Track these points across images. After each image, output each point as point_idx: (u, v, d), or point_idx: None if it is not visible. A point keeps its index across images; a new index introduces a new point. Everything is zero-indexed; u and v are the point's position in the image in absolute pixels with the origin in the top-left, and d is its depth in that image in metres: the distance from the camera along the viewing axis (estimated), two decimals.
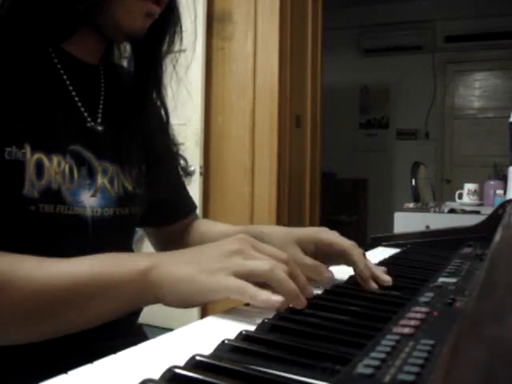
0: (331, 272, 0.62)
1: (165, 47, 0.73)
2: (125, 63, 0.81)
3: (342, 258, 0.64)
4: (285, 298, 0.45)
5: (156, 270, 0.48)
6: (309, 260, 0.63)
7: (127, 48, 0.77)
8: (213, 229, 0.85)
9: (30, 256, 0.50)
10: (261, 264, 0.47)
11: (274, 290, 0.46)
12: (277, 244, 0.67)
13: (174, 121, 0.83)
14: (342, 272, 0.65)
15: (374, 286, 0.59)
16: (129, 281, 0.48)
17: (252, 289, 0.45)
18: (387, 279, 0.60)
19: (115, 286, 0.48)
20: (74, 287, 0.48)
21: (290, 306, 0.47)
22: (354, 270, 0.62)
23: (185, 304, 0.48)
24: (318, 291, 0.56)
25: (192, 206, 0.90)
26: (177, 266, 0.48)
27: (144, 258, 0.50)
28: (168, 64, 0.75)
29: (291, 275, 0.48)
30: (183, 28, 0.75)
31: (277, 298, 0.44)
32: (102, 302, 0.48)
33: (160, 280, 0.48)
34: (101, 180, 0.66)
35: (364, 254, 0.64)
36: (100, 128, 0.68)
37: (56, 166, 0.60)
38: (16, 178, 0.56)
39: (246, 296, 0.45)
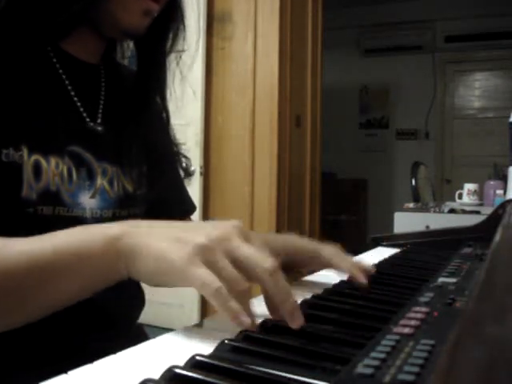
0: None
1: (168, 46, 0.73)
2: (126, 63, 0.81)
3: (313, 264, 0.66)
4: (282, 311, 0.40)
5: (126, 238, 0.44)
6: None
7: (130, 47, 0.77)
8: None
9: (3, 237, 0.46)
10: (234, 274, 0.41)
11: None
12: None
13: (175, 121, 0.83)
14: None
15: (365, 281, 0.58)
16: (96, 251, 0.44)
17: (223, 297, 0.39)
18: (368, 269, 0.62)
19: (82, 259, 0.44)
20: (36, 265, 0.44)
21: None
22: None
23: (152, 282, 0.44)
24: (318, 291, 0.56)
25: (191, 205, 0.90)
26: (150, 237, 0.43)
27: (115, 225, 0.46)
28: (171, 63, 0.75)
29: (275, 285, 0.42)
30: (186, 27, 0.74)
31: (247, 320, 0.38)
32: (71, 277, 0.45)
33: (129, 249, 0.43)
34: (100, 181, 0.66)
35: (338, 251, 0.63)
36: (100, 128, 0.67)
37: (54, 168, 0.59)
38: (14, 180, 0.56)
39: (215, 299, 0.39)
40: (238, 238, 0.43)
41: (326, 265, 0.64)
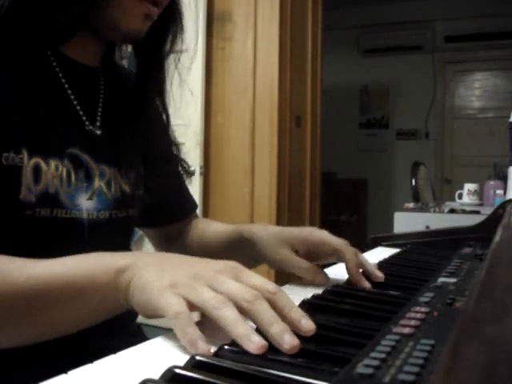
0: (325, 274, 0.62)
1: (167, 47, 0.73)
2: (125, 63, 0.81)
3: (334, 256, 0.65)
4: (239, 342, 0.37)
5: (129, 270, 0.45)
6: (303, 262, 0.64)
7: (129, 48, 0.77)
8: (208, 228, 0.86)
9: (18, 258, 0.48)
10: (208, 297, 0.39)
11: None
12: (268, 246, 0.68)
13: (174, 121, 0.83)
14: (342, 272, 0.65)
15: (366, 284, 0.60)
16: (100, 282, 0.45)
17: (184, 321, 0.38)
18: (380, 275, 0.61)
19: (88, 288, 0.45)
20: (46, 288, 0.45)
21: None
22: (347, 268, 0.62)
23: (144, 313, 0.44)
24: (318, 291, 0.56)
25: (192, 205, 0.90)
26: (148, 270, 0.44)
27: (127, 256, 0.48)
28: (169, 65, 0.75)
29: (277, 308, 0.40)
30: (184, 28, 0.74)
31: (203, 347, 0.37)
32: (79, 304, 0.46)
33: (127, 282, 0.44)
34: (98, 183, 0.66)
35: (357, 252, 0.64)
36: (98, 131, 0.67)
37: (53, 170, 0.60)
38: (13, 182, 0.56)
39: (175, 327, 0.39)
40: (225, 275, 0.42)
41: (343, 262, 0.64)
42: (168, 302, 0.40)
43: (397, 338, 0.38)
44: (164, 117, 0.79)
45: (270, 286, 0.42)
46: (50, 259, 0.48)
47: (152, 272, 0.44)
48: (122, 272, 0.45)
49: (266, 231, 0.70)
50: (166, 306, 0.39)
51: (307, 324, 0.39)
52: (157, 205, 0.79)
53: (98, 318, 0.48)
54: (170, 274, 0.43)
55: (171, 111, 0.80)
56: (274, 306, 0.40)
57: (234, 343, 0.37)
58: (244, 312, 0.39)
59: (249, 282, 0.42)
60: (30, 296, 0.45)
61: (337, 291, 0.57)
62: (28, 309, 0.46)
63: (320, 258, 0.68)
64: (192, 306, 0.40)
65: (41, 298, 0.45)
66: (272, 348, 0.37)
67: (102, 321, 0.48)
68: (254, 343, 0.36)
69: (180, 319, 0.38)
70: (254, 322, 0.39)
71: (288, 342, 0.36)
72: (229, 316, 0.38)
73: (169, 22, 0.71)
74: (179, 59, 0.76)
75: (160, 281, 0.42)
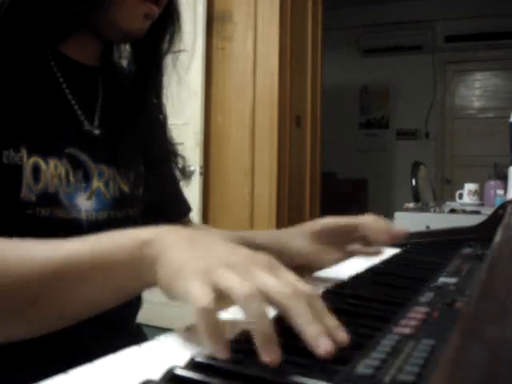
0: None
1: (165, 47, 0.73)
2: (124, 63, 0.80)
3: (358, 233, 0.69)
4: (256, 341, 0.34)
5: (154, 244, 0.43)
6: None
7: (127, 48, 0.77)
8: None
9: (29, 240, 0.46)
10: (240, 286, 0.36)
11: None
12: (292, 241, 0.72)
13: (174, 121, 0.83)
14: (341, 272, 0.65)
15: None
16: (124, 256, 0.43)
17: (208, 320, 0.35)
18: (402, 232, 0.67)
19: (113, 263, 0.44)
20: (67, 266, 0.44)
21: None
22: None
23: (168, 293, 0.41)
24: (318, 291, 0.56)
25: (186, 207, 0.90)
26: (179, 249, 0.42)
27: (150, 229, 0.45)
28: (168, 64, 0.75)
29: (313, 312, 0.37)
30: (184, 28, 0.74)
31: (223, 354, 0.34)
32: (100, 279, 0.44)
33: (154, 257, 0.42)
34: (96, 183, 0.66)
35: (377, 219, 0.68)
36: (97, 131, 0.67)
37: (53, 170, 0.60)
38: (13, 181, 0.56)
39: (198, 324, 0.36)
40: (260, 268, 0.39)
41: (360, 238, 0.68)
42: (195, 295, 0.37)
43: (397, 338, 0.38)
44: (161, 116, 0.79)
45: (307, 287, 0.39)
46: (63, 240, 0.46)
47: (182, 252, 0.41)
48: (145, 245, 0.43)
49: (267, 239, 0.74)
50: (192, 298, 0.37)
51: (343, 334, 0.36)
52: (152, 205, 0.79)
53: (123, 293, 0.46)
54: (202, 258, 0.40)
55: (171, 110, 0.80)
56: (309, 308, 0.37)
57: (234, 340, 0.37)
58: (278, 307, 0.37)
59: (285, 280, 0.39)
60: (47, 275, 0.43)
61: (337, 291, 0.57)
62: (45, 289, 0.44)
63: (343, 243, 0.70)
64: (221, 294, 0.37)
65: (58, 277, 0.44)
66: None
67: (127, 297, 0.46)
68: (271, 355, 0.33)
69: (205, 317, 0.35)
70: (289, 318, 0.36)
71: (324, 346, 0.34)
72: (255, 309, 0.35)
73: (167, 21, 0.71)
74: (177, 58, 0.76)
75: (191, 264, 0.39)
